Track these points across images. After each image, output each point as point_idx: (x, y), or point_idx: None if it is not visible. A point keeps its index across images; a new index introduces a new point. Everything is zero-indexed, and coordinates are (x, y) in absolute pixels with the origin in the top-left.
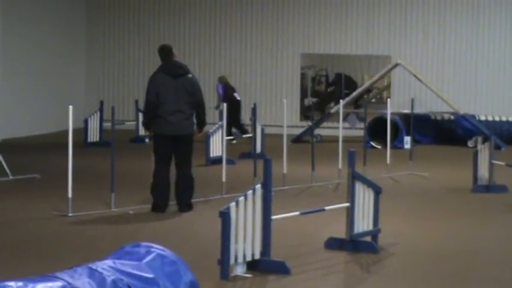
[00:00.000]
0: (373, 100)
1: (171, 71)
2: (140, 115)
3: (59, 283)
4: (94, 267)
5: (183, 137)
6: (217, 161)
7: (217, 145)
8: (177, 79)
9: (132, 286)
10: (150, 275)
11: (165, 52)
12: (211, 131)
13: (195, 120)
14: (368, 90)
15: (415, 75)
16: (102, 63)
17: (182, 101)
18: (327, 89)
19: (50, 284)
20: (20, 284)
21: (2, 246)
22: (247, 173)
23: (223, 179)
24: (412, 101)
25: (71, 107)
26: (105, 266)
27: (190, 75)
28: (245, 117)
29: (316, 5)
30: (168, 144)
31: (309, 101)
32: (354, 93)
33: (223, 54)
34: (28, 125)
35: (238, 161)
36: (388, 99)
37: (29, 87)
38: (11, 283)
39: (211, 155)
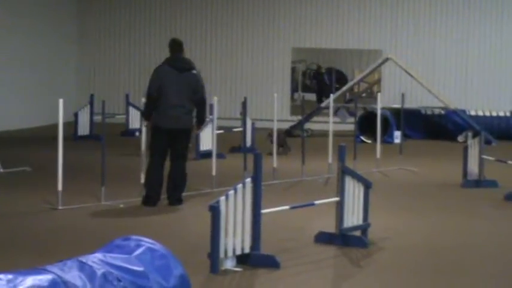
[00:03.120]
0: (363, 95)
1: (176, 65)
2: (130, 108)
3: (49, 276)
4: (84, 261)
5: (182, 131)
6: (207, 154)
7: (207, 139)
8: (182, 73)
9: (122, 279)
10: (140, 268)
11: (176, 45)
12: None
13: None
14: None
15: (405, 70)
16: (93, 57)
17: (184, 95)
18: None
19: (40, 277)
20: (10, 276)
21: None
22: (237, 167)
23: (213, 173)
24: (403, 95)
25: (61, 100)
26: (95, 259)
27: (194, 71)
28: (236, 110)
29: None
30: (166, 137)
31: (300, 95)
32: (344, 88)
33: (214, 48)
34: (18, 118)
35: (228, 155)
36: (379, 94)
37: (19, 80)
38: (1, 276)
39: (201, 148)
